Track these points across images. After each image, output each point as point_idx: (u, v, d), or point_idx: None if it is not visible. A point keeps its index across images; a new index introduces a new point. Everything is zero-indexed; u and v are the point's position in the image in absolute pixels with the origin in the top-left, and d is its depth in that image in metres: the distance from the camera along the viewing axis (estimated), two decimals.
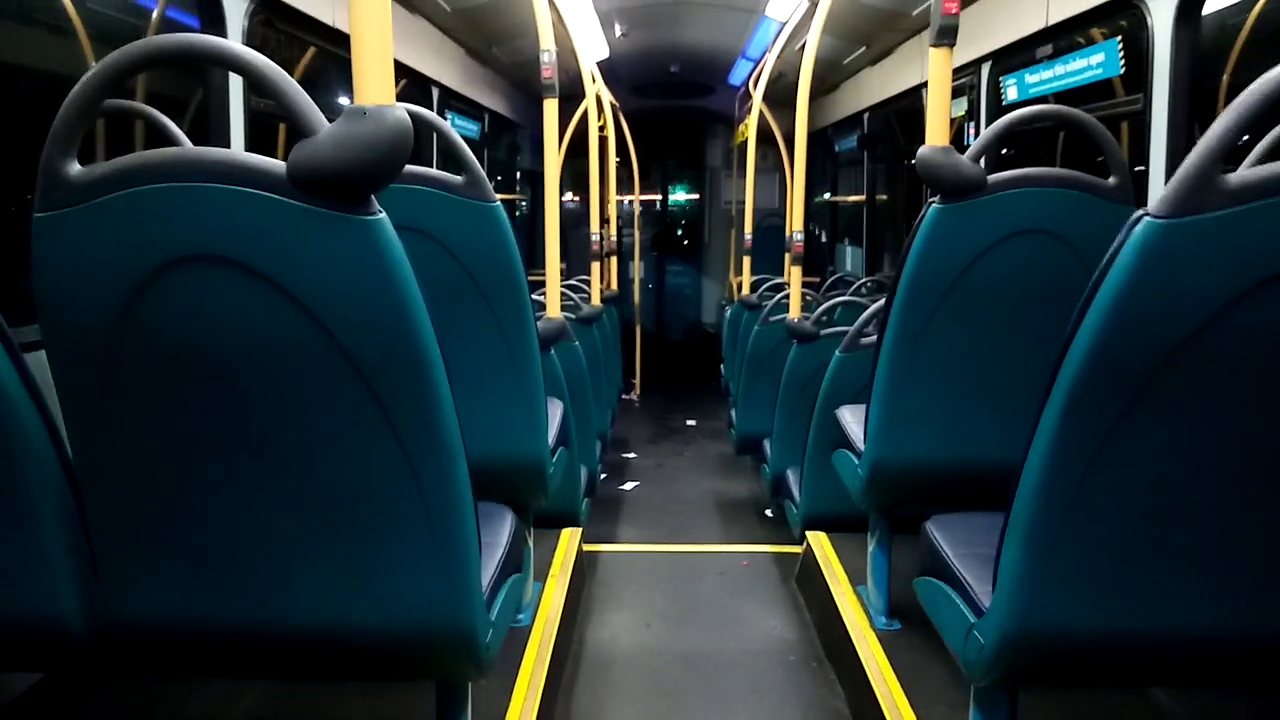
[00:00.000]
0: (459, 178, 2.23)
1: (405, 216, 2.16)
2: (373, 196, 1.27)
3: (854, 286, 5.63)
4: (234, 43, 1.27)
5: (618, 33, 6.96)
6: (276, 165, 1.25)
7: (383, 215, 1.27)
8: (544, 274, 3.29)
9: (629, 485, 5.63)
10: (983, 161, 2.16)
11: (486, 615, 1.64)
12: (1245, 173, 1.25)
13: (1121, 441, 1.38)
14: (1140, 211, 1.28)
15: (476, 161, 2.22)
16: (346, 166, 1.22)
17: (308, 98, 1.24)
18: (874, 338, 2.84)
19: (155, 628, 1.56)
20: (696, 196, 11.04)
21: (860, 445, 2.59)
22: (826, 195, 8.97)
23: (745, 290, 6.36)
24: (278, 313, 1.29)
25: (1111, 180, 2.17)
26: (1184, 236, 1.25)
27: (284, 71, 1.26)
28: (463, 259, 2.25)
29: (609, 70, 7.61)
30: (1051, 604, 1.52)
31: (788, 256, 4.36)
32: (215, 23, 3.02)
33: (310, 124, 1.23)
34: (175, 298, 1.31)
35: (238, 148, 3.01)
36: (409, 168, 2.24)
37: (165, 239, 1.28)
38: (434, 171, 2.24)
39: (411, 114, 2.32)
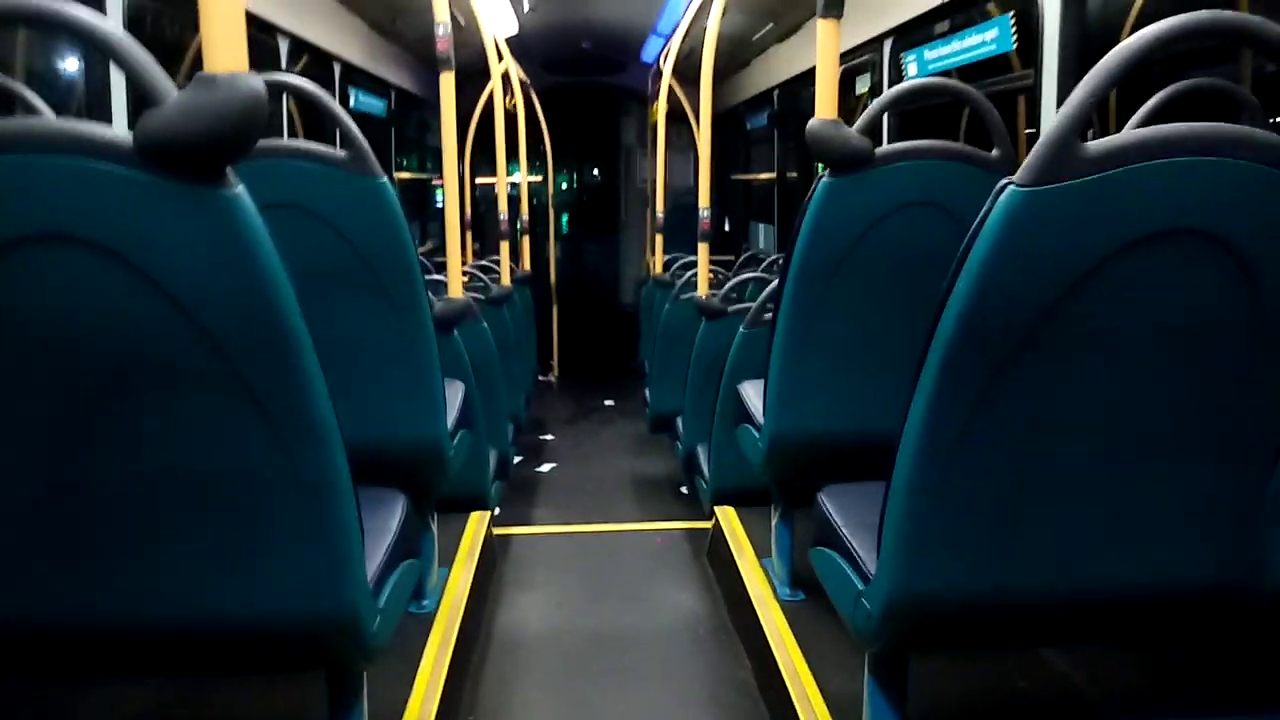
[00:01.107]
0: (343, 153, 2.17)
1: (282, 192, 2.10)
2: (228, 169, 1.21)
3: (764, 263, 5.67)
4: (71, 4, 1.19)
5: (526, 7, 6.86)
6: (122, 135, 1.18)
7: (239, 189, 1.21)
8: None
9: (546, 467, 5.60)
10: (885, 137, 2.18)
11: (373, 601, 1.60)
12: (1104, 141, 1.28)
13: (992, 406, 1.41)
14: (1005, 180, 1.30)
15: (359, 134, 2.16)
16: (195, 137, 1.16)
17: (154, 62, 1.17)
18: None
19: (20, 627, 1.49)
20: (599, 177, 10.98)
21: (761, 419, 2.61)
22: (740, 173, 9.01)
23: (659, 269, 6.36)
24: (129, 292, 1.23)
25: (994, 152, 2.22)
26: (1046, 203, 1.28)
27: (129, 36, 1.19)
28: (348, 236, 2.18)
29: (519, 46, 7.49)
30: (932, 568, 1.55)
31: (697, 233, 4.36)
32: None
33: (157, 92, 1.17)
34: (18, 278, 1.23)
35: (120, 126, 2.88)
36: (288, 142, 2.17)
37: (6, 216, 1.21)
38: (314, 145, 2.16)
39: (278, 84, 2.26)
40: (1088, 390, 1.43)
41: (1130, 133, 1.29)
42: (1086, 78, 1.26)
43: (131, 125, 1.19)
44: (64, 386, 1.30)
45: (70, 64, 2.98)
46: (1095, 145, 1.27)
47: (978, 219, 1.32)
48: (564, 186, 10.91)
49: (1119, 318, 1.37)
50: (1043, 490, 1.50)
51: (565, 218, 10.88)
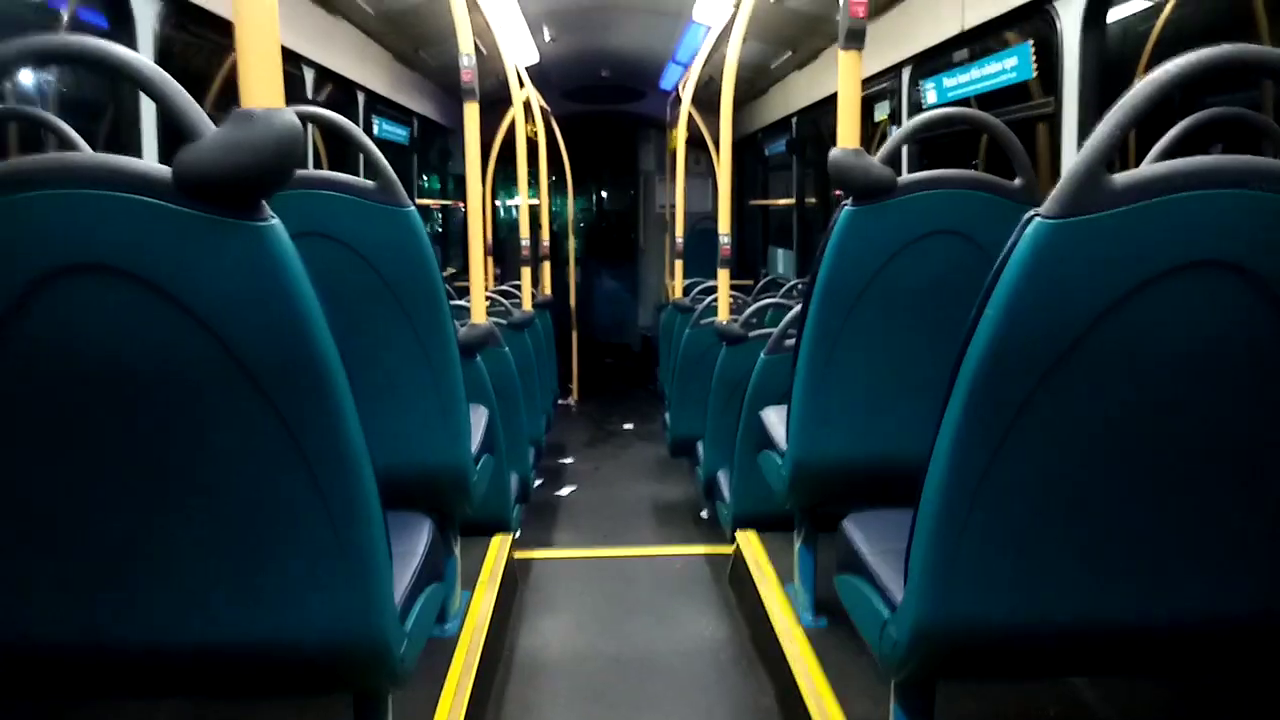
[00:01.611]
0: (371, 183, 2.20)
1: (313, 222, 2.13)
2: (264, 202, 1.24)
3: (784, 289, 5.68)
4: (108, 42, 1.23)
5: (547, 36, 6.94)
6: (161, 170, 1.21)
7: (275, 221, 1.24)
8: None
9: (565, 490, 5.61)
10: (905, 167, 2.20)
11: (400, 626, 1.61)
12: (1131, 173, 1.29)
13: (1020, 436, 1.41)
14: (1032, 212, 1.31)
15: (388, 165, 2.19)
16: (233, 171, 1.19)
17: (191, 99, 1.21)
18: None
19: (52, 651, 1.51)
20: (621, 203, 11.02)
21: (783, 445, 2.62)
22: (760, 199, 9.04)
23: (678, 294, 6.38)
24: (166, 322, 1.25)
25: (1017, 181, 2.23)
26: (1072, 236, 1.29)
27: (165, 73, 1.22)
28: (376, 265, 2.21)
29: (540, 75, 7.58)
30: (959, 597, 1.55)
31: (717, 259, 4.38)
32: (122, 23, 2.93)
33: (195, 127, 1.20)
34: (59, 309, 1.26)
35: (150, 159, 2.94)
36: (318, 173, 2.21)
37: (46, 248, 1.24)
38: (344, 176, 2.20)
39: (309, 116, 2.31)
40: (1116, 420, 1.43)
41: (1157, 165, 1.30)
42: (1113, 111, 1.27)
43: (161, 157, 1.22)
44: (97, 413, 1.32)
45: (100, 95, 3.04)
46: (1122, 178, 1.28)
47: (1005, 250, 1.33)
48: (583, 212, 10.97)
49: (1147, 349, 1.37)
50: (1071, 519, 1.50)
51: (584, 243, 10.93)
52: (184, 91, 1.20)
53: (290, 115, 1.23)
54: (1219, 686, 2.32)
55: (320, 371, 1.30)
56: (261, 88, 1.27)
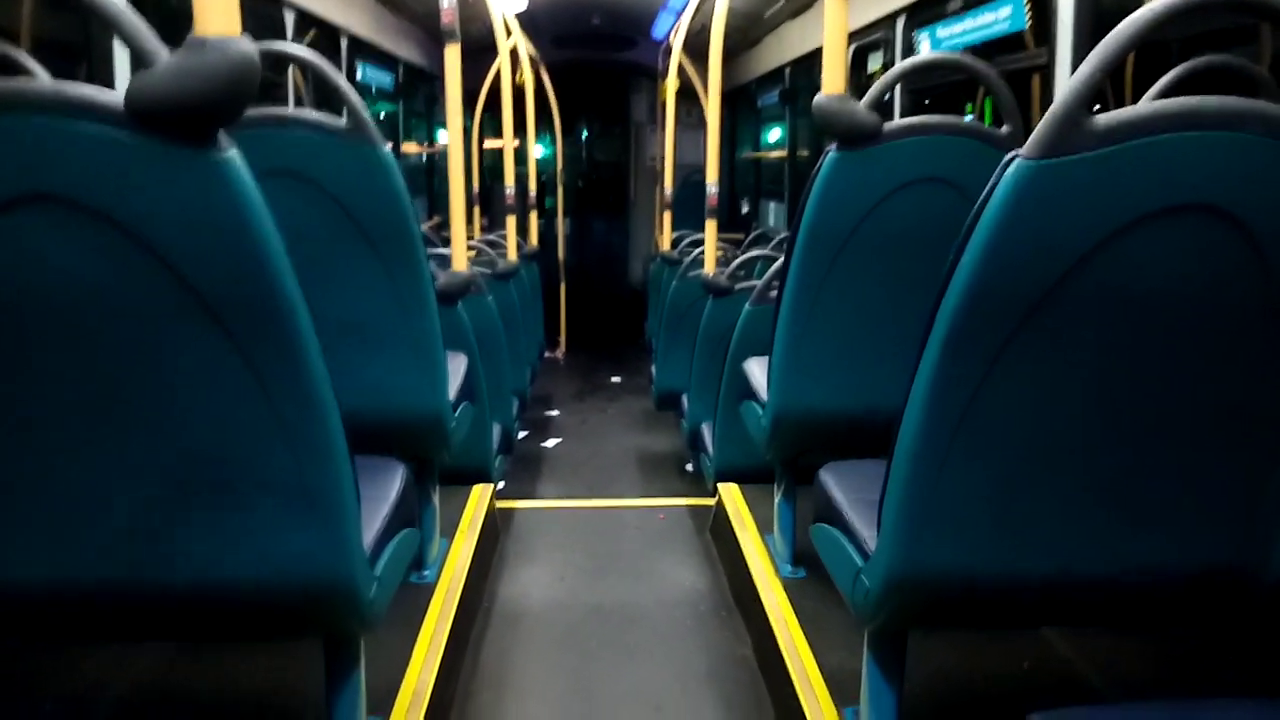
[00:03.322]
0: (342, 121, 2.15)
1: (281, 159, 2.08)
2: (221, 133, 1.20)
3: (773, 242, 5.63)
4: None
5: None
6: (113, 97, 1.17)
7: (232, 153, 1.20)
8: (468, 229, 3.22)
9: (550, 442, 5.60)
10: (896, 112, 2.16)
11: (369, 569, 1.60)
12: (1114, 114, 1.26)
13: (997, 383, 1.39)
14: (1012, 153, 1.28)
15: (360, 103, 2.14)
16: (186, 99, 1.15)
17: (145, 25, 1.16)
18: None
19: (19, 592, 1.49)
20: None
21: (764, 396, 2.60)
22: (752, 151, 8.95)
23: (666, 246, 6.33)
24: (122, 255, 1.22)
25: (1004, 128, 2.19)
26: (1054, 177, 1.26)
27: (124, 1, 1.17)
28: (347, 204, 2.17)
29: (529, 21, 7.44)
30: (931, 546, 1.54)
31: (706, 210, 4.33)
32: None
33: (148, 54, 1.15)
34: (13, 240, 1.23)
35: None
36: (286, 110, 2.16)
37: None
38: (313, 114, 2.15)
39: (276, 53, 2.24)
40: (1093, 368, 1.41)
41: (1140, 106, 1.27)
42: (1095, 50, 1.24)
43: None
44: (54, 350, 1.30)
45: (74, 34, 2.96)
46: (1105, 118, 1.25)
47: (984, 192, 1.30)
48: (573, 163, 10.84)
49: (1126, 294, 1.35)
50: (1045, 469, 1.49)
51: (574, 194, 10.82)
52: (138, 17, 1.16)
53: (246, 44, 1.19)
54: (1191, 639, 2.34)
55: (279, 306, 1.27)
56: (217, 15, 1.22)
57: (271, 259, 1.24)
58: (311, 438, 1.37)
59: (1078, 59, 3.02)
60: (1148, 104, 1.27)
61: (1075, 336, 1.38)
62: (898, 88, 4.15)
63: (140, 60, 1.15)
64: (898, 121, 2.17)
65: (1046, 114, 1.25)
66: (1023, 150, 1.27)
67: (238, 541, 1.44)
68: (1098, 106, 1.29)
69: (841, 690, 2.22)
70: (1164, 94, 2.16)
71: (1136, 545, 1.56)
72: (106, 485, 1.39)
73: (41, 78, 2.01)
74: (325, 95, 5.10)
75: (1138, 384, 1.43)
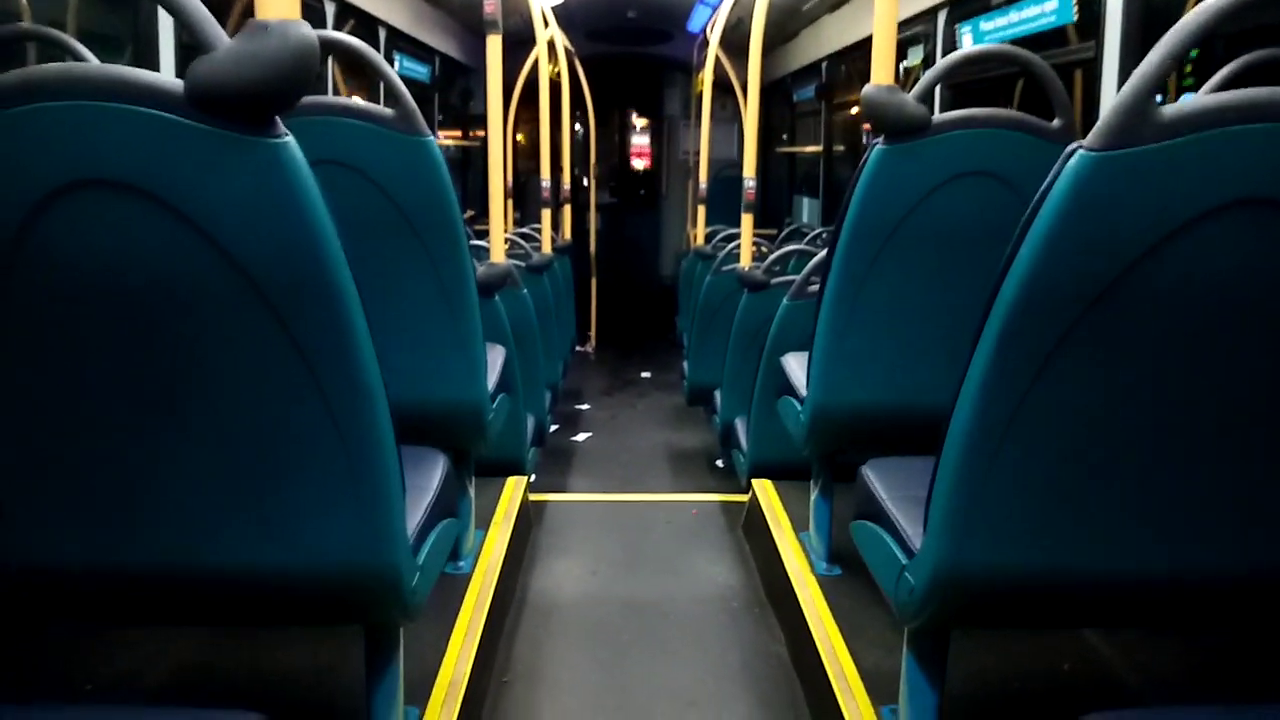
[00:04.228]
0: (390, 111, 2.15)
1: (330, 149, 2.09)
2: (278, 119, 1.20)
3: (808, 237, 5.60)
4: None
5: None
6: (173, 83, 1.17)
7: (289, 139, 1.20)
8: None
9: (581, 436, 5.60)
10: (936, 106, 2.12)
11: (412, 559, 1.60)
12: (1181, 104, 1.23)
13: (1051, 380, 1.36)
14: (1074, 144, 1.25)
15: (407, 93, 2.14)
16: (246, 84, 1.15)
17: (206, 11, 1.16)
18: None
19: (66, 574, 1.51)
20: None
21: (803, 391, 2.58)
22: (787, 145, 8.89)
23: (700, 241, 6.31)
24: (176, 240, 1.22)
25: (1056, 122, 2.15)
26: (1118, 169, 1.23)
27: None
28: (393, 194, 2.17)
29: (564, 14, 7.43)
30: (979, 544, 1.51)
31: (741, 205, 4.30)
32: None
33: (208, 39, 1.15)
34: (70, 225, 1.23)
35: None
36: (335, 99, 2.16)
37: (56, 162, 1.20)
38: (361, 103, 2.15)
39: (328, 42, 2.25)
40: (1151, 366, 1.38)
41: (1208, 96, 1.24)
42: (1164, 39, 1.20)
43: (179, 74, 1.18)
44: (106, 332, 1.30)
45: (115, 17, 2.99)
46: (1171, 109, 1.22)
47: (1044, 185, 1.27)
48: (606, 156, 10.82)
49: (1188, 290, 1.31)
50: (1098, 467, 1.46)
51: (606, 188, 10.81)
52: (198, 3, 1.16)
53: (305, 28, 1.19)
54: (1232, 639, 2.30)
55: (333, 293, 1.27)
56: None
57: (325, 245, 1.24)
58: (360, 425, 1.37)
59: (1126, 52, 2.97)
60: (1213, 95, 1.24)
61: (1133, 333, 1.35)
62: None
63: (200, 45, 1.15)
64: (946, 114, 2.14)
65: (1112, 105, 1.22)
66: (1086, 141, 1.24)
67: (285, 527, 1.44)
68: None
69: (878, 689, 2.20)
70: (1223, 86, 2.11)
71: (1188, 546, 1.53)
72: (156, 469, 1.40)
73: (92, 63, 2.03)
74: (364, 85, 5.12)
75: (1195, 383, 1.40)
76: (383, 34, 5.36)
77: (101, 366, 1.33)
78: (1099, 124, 1.23)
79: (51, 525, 1.45)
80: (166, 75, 2.83)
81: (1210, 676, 2.28)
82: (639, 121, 8.74)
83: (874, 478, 1.92)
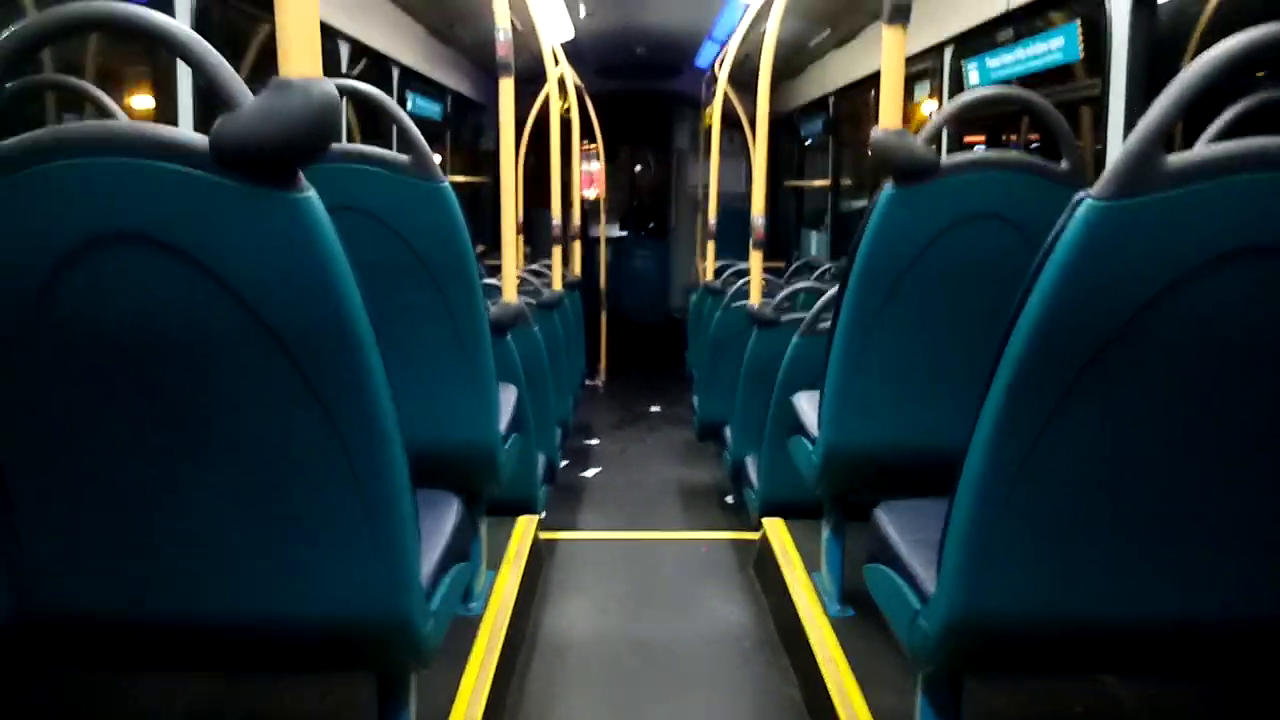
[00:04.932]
0: (405, 157, 2.18)
1: (346, 196, 2.11)
2: (300, 173, 1.22)
3: (817, 272, 5.61)
4: (149, 10, 1.21)
5: (582, 13, 6.88)
6: (198, 139, 1.20)
7: (311, 193, 1.22)
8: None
9: (591, 472, 5.60)
10: (944, 149, 2.14)
11: (426, 605, 1.60)
12: (1186, 154, 1.24)
13: (1063, 425, 1.37)
14: (1082, 193, 1.26)
15: (423, 140, 2.17)
16: (270, 141, 1.17)
17: (230, 68, 1.19)
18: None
19: (84, 620, 1.51)
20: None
21: (815, 431, 2.58)
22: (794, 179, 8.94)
23: (709, 275, 6.33)
24: (202, 293, 1.24)
25: (1063, 164, 2.16)
26: (1125, 218, 1.24)
27: (204, 41, 1.20)
28: (409, 240, 2.20)
29: (574, 51, 7.52)
30: (994, 589, 1.51)
31: (751, 241, 4.32)
32: None
33: (233, 96, 1.18)
34: (95, 278, 1.25)
35: (186, 127, 2.94)
36: (352, 146, 2.19)
37: (82, 217, 1.23)
38: (378, 150, 2.18)
39: (345, 89, 2.28)
40: (1163, 409, 1.38)
41: (1214, 145, 1.25)
42: (1169, 88, 1.22)
43: (197, 126, 1.20)
44: (129, 384, 1.32)
45: (136, 66, 3.04)
46: (1177, 159, 1.23)
47: (1053, 232, 1.28)
48: (615, 191, 10.89)
49: (1197, 336, 1.32)
50: (1113, 512, 1.45)
51: (616, 222, 10.87)
52: (223, 60, 1.19)
53: (328, 85, 1.22)
54: (1252, 688, 2.27)
55: (354, 346, 1.29)
56: (300, 57, 1.25)
57: (346, 297, 1.26)
58: (377, 473, 1.38)
59: (1132, 91, 2.99)
60: (1219, 144, 1.25)
61: (1145, 378, 1.35)
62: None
63: (225, 102, 1.18)
64: (955, 157, 2.15)
65: (1119, 154, 1.23)
66: (1093, 190, 1.25)
67: (299, 573, 1.44)
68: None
69: None
70: (1226, 131, 2.12)
71: (1201, 591, 1.52)
72: (175, 518, 1.41)
73: (119, 115, 2.07)
74: (373, 126, 5.18)
75: (1207, 426, 1.40)
76: (395, 73, 5.43)
77: (122, 414, 1.35)
78: (1106, 173, 1.24)
79: (69, 573, 1.46)
80: (186, 124, 2.89)
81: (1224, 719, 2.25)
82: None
83: (887, 520, 1.91)
